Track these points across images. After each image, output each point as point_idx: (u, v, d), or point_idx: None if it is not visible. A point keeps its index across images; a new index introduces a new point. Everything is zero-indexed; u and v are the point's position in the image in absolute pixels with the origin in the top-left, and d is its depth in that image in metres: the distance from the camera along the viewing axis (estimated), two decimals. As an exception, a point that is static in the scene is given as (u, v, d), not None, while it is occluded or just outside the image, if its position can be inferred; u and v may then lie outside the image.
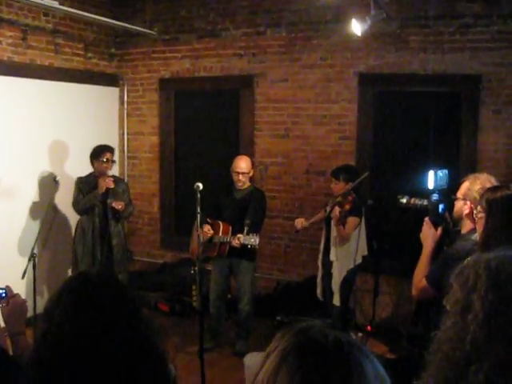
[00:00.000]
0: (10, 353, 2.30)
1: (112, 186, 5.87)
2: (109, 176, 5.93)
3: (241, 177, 5.67)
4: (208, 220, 5.61)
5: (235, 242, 5.46)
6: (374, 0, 5.16)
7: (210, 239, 5.60)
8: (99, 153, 5.93)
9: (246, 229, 5.46)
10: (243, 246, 5.44)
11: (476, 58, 6.00)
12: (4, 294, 2.49)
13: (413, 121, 6.37)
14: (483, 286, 1.49)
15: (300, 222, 5.73)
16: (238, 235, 5.44)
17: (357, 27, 5.37)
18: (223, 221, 5.71)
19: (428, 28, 6.18)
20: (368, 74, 6.49)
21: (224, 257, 5.71)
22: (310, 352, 1.08)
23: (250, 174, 5.78)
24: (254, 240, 5.38)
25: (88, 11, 6.84)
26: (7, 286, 2.52)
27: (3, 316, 2.42)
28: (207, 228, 5.58)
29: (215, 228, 5.65)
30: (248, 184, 5.83)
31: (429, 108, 6.25)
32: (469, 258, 1.68)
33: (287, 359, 1.08)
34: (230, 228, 5.62)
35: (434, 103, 6.23)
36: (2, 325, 2.47)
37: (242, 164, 5.70)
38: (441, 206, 3.44)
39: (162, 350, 1.65)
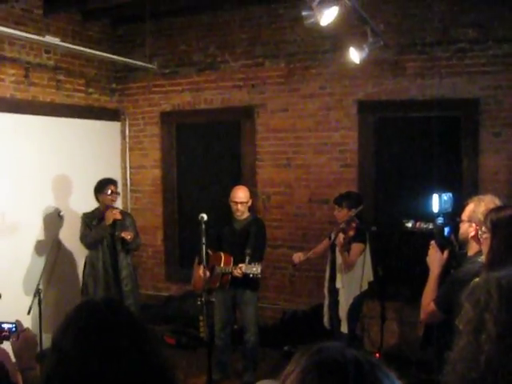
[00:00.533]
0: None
1: (119, 217, 5.88)
2: (115, 208, 5.95)
3: (239, 206, 5.68)
4: (209, 251, 5.58)
5: (237, 272, 5.43)
6: (370, 28, 5.21)
7: (212, 270, 5.58)
8: (103, 186, 5.96)
9: (247, 258, 5.45)
10: (245, 276, 5.42)
11: (473, 82, 6.06)
12: (14, 329, 2.49)
13: (413, 146, 6.41)
14: (495, 305, 1.47)
15: (298, 257, 5.76)
16: (240, 265, 5.42)
17: (355, 55, 5.43)
18: (224, 252, 5.71)
19: (425, 54, 6.26)
20: (367, 101, 6.55)
21: (226, 288, 5.69)
22: (329, 372, 1.08)
23: (249, 204, 5.78)
24: (255, 269, 5.36)
25: (88, 47, 6.93)
26: (17, 321, 2.51)
27: (14, 351, 2.41)
28: (202, 271, 5.44)
29: (217, 259, 5.63)
30: (247, 214, 5.82)
31: (429, 133, 6.29)
32: (479, 278, 1.68)
33: (306, 380, 1.08)
34: (232, 259, 5.61)
35: (434, 128, 6.27)
36: (13, 359, 2.46)
37: (240, 194, 5.71)
38: (446, 229, 3.45)
39: (173, 377, 1.64)
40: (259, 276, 5.43)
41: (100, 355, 1.51)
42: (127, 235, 5.85)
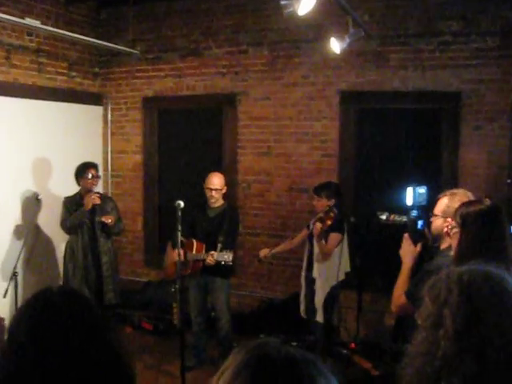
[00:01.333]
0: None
1: (98, 201, 5.84)
2: (95, 193, 5.90)
3: (213, 193, 5.67)
4: (182, 239, 5.54)
5: (209, 259, 5.45)
6: (352, 19, 5.20)
7: (185, 258, 5.56)
8: (83, 170, 5.93)
9: (219, 246, 5.48)
10: (217, 264, 5.43)
11: (456, 75, 6.08)
12: None
13: (394, 137, 6.43)
14: (455, 301, 1.48)
15: (264, 252, 5.85)
16: (212, 252, 5.45)
17: (336, 45, 5.42)
18: (197, 239, 5.71)
19: (408, 46, 6.27)
20: (349, 91, 6.55)
21: (198, 275, 5.70)
22: (262, 367, 1.09)
23: (223, 191, 5.77)
24: (227, 257, 5.38)
25: (72, 31, 6.86)
26: None
27: None
28: (175, 253, 5.47)
29: (189, 246, 5.63)
30: (221, 202, 5.82)
31: (410, 125, 6.31)
32: (441, 272, 1.68)
33: (240, 375, 1.09)
34: (204, 246, 5.62)
35: (415, 120, 6.30)
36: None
37: (215, 180, 5.70)
38: (420, 223, 3.48)
39: (130, 366, 1.64)
40: (230, 264, 5.45)
41: (53, 345, 1.50)
42: (107, 219, 5.83)
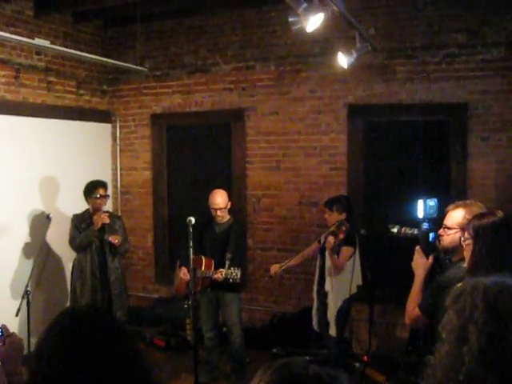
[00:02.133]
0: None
1: (107, 221, 5.86)
2: (104, 212, 5.91)
3: (218, 212, 5.71)
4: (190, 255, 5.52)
5: (217, 277, 5.49)
6: (359, 33, 5.24)
7: (194, 274, 5.57)
8: (92, 189, 5.94)
9: (227, 263, 5.50)
10: (226, 280, 5.46)
11: (462, 87, 6.10)
12: (0, 333, 2.48)
13: (402, 150, 6.44)
14: (480, 316, 1.46)
15: (274, 268, 5.75)
16: (220, 269, 5.49)
17: (343, 60, 5.45)
18: (205, 255, 5.73)
19: (414, 58, 6.30)
20: (357, 104, 6.57)
21: (208, 291, 5.72)
22: None
23: (228, 207, 5.80)
24: (235, 274, 5.42)
25: (80, 49, 6.94)
26: (3, 325, 2.50)
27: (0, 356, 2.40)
28: (183, 273, 5.58)
29: (198, 263, 5.65)
30: (228, 217, 5.84)
31: (417, 137, 6.31)
32: (466, 282, 1.65)
33: None
34: (213, 262, 5.64)
35: (423, 132, 6.30)
36: (-1, 364, 2.46)
37: (218, 199, 5.71)
38: (431, 235, 3.47)
39: (155, 381, 1.65)
40: (238, 281, 5.47)
41: (80, 361, 1.52)
42: (114, 239, 5.84)
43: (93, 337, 1.57)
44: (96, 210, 5.92)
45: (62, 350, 1.54)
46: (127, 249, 6.29)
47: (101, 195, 5.91)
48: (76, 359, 1.52)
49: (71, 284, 6.10)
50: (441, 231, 3.33)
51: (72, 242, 5.99)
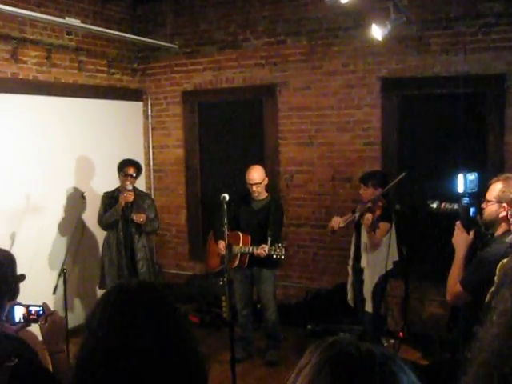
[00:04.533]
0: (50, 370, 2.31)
1: (130, 199, 5.88)
2: (129, 190, 5.92)
3: (255, 188, 5.68)
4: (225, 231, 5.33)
5: (259, 252, 5.45)
6: (393, 4, 5.12)
7: (230, 250, 5.58)
8: (121, 167, 6.01)
9: (269, 239, 5.45)
10: (268, 257, 5.43)
11: (500, 58, 5.94)
12: (41, 312, 2.50)
13: (438, 123, 6.32)
14: None
15: (337, 222, 5.50)
16: (263, 245, 5.44)
17: (377, 32, 5.35)
18: (242, 231, 5.71)
19: (449, 29, 6.14)
20: (390, 78, 6.46)
21: (244, 267, 5.71)
22: (343, 365, 1.08)
23: (265, 183, 5.76)
24: (279, 250, 5.37)
25: (110, 28, 6.94)
26: (44, 304, 2.52)
27: (42, 334, 2.43)
28: (222, 246, 5.49)
29: (235, 238, 5.64)
30: (265, 194, 5.81)
31: (453, 110, 6.18)
32: (499, 267, 1.58)
33: (321, 374, 1.07)
34: (250, 238, 5.63)
35: (459, 105, 6.15)
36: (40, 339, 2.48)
37: (254, 174, 5.69)
38: (472, 210, 3.41)
39: (202, 355, 1.65)
40: (283, 257, 5.44)
41: (124, 335, 1.52)
42: (139, 218, 5.87)
43: (139, 311, 1.57)
44: (123, 188, 5.95)
45: (105, 324, 1.55)
46: (155, 228, 6.28)
47: (127, 174, 5.93)
48: (122, 334, 1.53)
49: (101, 260, 6.22)
50: (483, 204, 3.27)
51: (99, 221, 6.09)
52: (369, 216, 5.12)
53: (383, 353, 1.10)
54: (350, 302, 5.72)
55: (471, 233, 3.32)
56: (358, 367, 1.06)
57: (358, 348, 1.09)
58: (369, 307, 5.41)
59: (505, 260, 2.20)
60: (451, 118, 6.20)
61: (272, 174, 6.75)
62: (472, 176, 3.57)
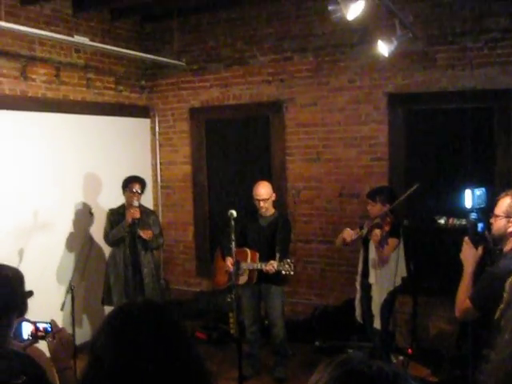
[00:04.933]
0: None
1: (137, 216, 5.89)
2: (135, 206, 5.93)
3: (262, 204, 5.66)
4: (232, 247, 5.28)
5: (268, 269, 5.42)
6: (399, 20, 5.15)
7: (237, 267, 5.55)
8: (127, 183, 6.02)
9: (277, 255, 5.44)
10: (277, 273, 5.41)
11: (506, 73, 5.94)
12: (49, 329, 2.50)
13: (445, 139, 6.31)
14: None
15: (349, 235, 5.39)
16: (271, 262, 5.41)
17: (383, 48, 5.37)
18: (249, 247, 5.70)
19: (455, 44, 6.15)
20: (397, 93, 6.47)
21: (252, 283, 5.69)
22: (354, 383, 1.07)
23: (272, 199, 5.75)
24: (288, 266, 5.34)
25: (118, 46, 6.99)
26: (52, 321, 2.52)
27: (50, 351, 2.43)
28: (230, 262, 5.46)
29: (243, 255, 5.63)
30: (273, 210, 5.80)
31: (460, 125, 6.19)
32: (508, 284, 1.58)
33: None
34: (258, 255, 5.62)
35: (466, 119, 6.17)
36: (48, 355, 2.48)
37: (262, 190, 5.68)
38: (480, 225, 3.40)
39: (209, 373, 1.65)
40: (292, 273, 5.42)
41: (129, 359, 1.51)
42: (146, 234, 5.89)
43: (144, 335, 1.56)
44: (129, 204, 5.96)
45: (113, 348, 1.54)
46: (160, 244, 6.32)
47: (133, 191, 5.95)
48: (126, 358, 1.52)
49: (105, 276, 6.22)
50: (492, 220, 3.26)
51: (106, 237, 6.10)
52: (377, 232, 5.10)
53: (394, 371, 1.10)
54: (359, 319, 5.68)
55: (480, 248, 3.30)
56: None
57: (369, 366, 1.09)
58: (377, 324, 5.38)
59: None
60: (458, 133, 6.21)
61: (279, 190, 6.75)
62: (479, 191, 3.56)
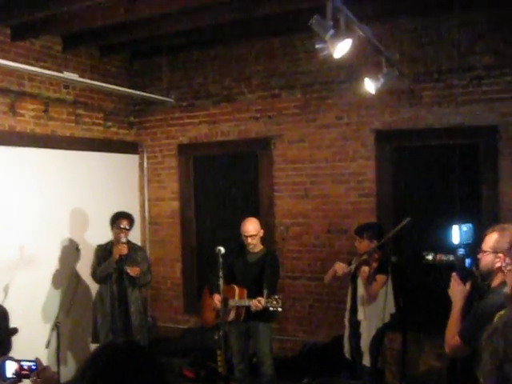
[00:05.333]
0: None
1: (125, 252, 5.86)
2: (123, 243, 5.90)
3: (250, 240, 5.64)
4: (220, 284, 5.33)
5: (256, 306, 5.36)
6: (385, 58, 5.22)
7: (225, 304, 5.51)
8: (114, 219, 6.01)
9: (265, 292, 5.37)
10: (265, 310, 5.36)
11: (491, 109, 6.02)
12: (34, 367, 2.47)
13: (432, 175, 6.37)
14: None
15: (341, 268, 5.36)
16: (259, 298, 5.35)
17: (370, 86, 5.43)
18: (237, 284, 5.67)
19: (441, 82, 6.25)
20: (384, 130, 6.53)
21: (240, 321, 5.64)
22: None
23: (260, 235, 5.73)
24: (276, 303, 5.27)
25: (107, 82, 7.03)
26: (37, 359, 2.49)
27: None
28: (217, 299, 5.46)
29: (230, 292, 5.58)
30: (261, 247, 5.77)
31: (447, 161, 6.23)
32: (497, 319, 1.57)
33: None
34: (245, 292, 5.57)
35: (452, 156, 6.21)
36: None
37: (249, 226, 5.65)
38: (468, 261, 3.40)
39: None
40: (280, 310, 5.36)
41: None
42: (133, 271, 5.84)
43: (125, 373, 1.54)
44: (117, 240, 5.93)
45: None
46: (148, 280, 6.25)
47: (120, 227, 5.92)
48: None
49: (93, 314, 6.16)
50: (479, 255, 3.26)
51: (93, 274, 6.06)
52: (365, 269, 5.09)
53: None
54: (347, 355, 5.63)
55: (468, 284, 3.30)
56: None
57: None
58: (366, 361, 5.33)
59: (502, 312, 2.19)
60: (445, 169, 6.25)
61: (267, 226, 6.74)
62: (466, 227, 3.58)
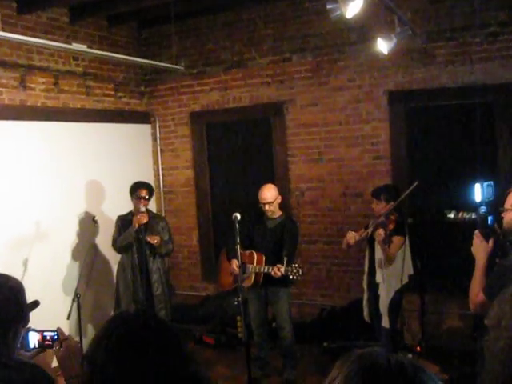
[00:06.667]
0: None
1: (144, 221, 5.84)
2: (142, 212, 5.90)
3: (267, 207, 5.62)
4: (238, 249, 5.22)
5: (274, 273, 5.35)
6: (398, 17, 5.13)
7: (244, 269, 5.49)
8: (134, 189, 6.00)
9: (285, 259, 5.34)
10: (284, 276, 5.36)
11: (506, 67, 5.92)
12: (56, 337, 2.47)
13: (446, 135, 6.30)
14: None
15: (353, 237, 5.38)
16: (278, 265, 5.34)
17: (383, 46, 5.34)
18: (255, 249, 5.67)
19: (454, 40, 6.14)
20: (397, 91, 6.45)
21: (258, 286, 5.65)
22: (374, 376, 1.07)
23: (278, 201, 5.70)
24: (296, 271, 5.26)
25: (116, 52, 6.98)
26: (58, 328, 2.49)
27: (58, 360, 2.39)
28: (235, 263, 5.42)
29: (249, 258, 5.58)
30: (280, 213, 5.76)
31: (462, 120, 6.17)
32: None
33: None
34: (264, 258, 5.57)
35: (467, 115, 6.14)
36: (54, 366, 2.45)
37: (267, 193, 5.63)
38: (490, 218, 3.38)
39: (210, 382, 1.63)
40: (300, 277, 5.35)
41: (133, 368, 1.50)
42: (153, 240, 5.84)
43: (140, 342, 1.55)
44: (136, 210, 5.94)
45: (112, 357, 1.52)
46: (169, 250, 6.22)
47: (139, 197, 5.92)
48: (128, 364, 1.51)
49: (116, 284, 6.19)
50: (503, 214, 3.25)
51: (114, 244, 6.06)
52: (381, 231, 5.06)
53: (413, 364, 1.10)
54: (367, 319, 5.65)
55: (490, 241, 3.28)
56: (389, 378, 1.06)
57: (388, 359, 1.09)
58: (386, 322, 5.35)
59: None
60: (460, 129, 6.19)
61: (283, 191, 6.71)
62: (488, 185, 3.55)
